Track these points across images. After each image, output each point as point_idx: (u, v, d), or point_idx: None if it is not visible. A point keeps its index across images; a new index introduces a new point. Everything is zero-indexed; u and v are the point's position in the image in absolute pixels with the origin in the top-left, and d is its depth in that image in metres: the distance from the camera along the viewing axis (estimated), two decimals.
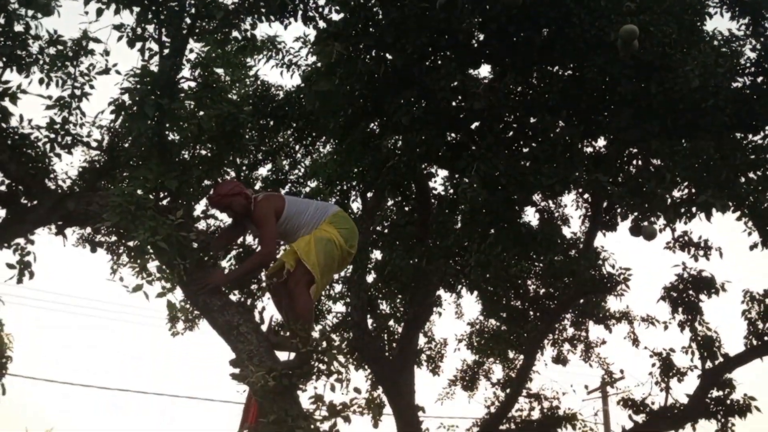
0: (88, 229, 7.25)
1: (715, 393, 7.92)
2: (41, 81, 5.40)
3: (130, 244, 4.30)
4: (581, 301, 9.71)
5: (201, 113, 5.03)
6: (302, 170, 9.76)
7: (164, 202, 4.68)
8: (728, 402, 7.83)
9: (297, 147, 9.47)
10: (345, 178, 8.64)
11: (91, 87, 5.49)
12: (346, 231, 4.49)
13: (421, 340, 10.68)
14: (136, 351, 51.06)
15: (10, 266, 4.58)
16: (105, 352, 49.69)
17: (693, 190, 6.66)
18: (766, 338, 7.72)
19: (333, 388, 4.38)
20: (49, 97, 5.30)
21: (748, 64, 6.63)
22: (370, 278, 8.96)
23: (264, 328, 4.45)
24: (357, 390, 4.63)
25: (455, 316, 11.55)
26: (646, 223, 6.60)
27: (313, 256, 4.27)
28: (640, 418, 8.31)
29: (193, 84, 5.16)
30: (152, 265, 4.20)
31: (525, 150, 6.81)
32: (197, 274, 4.37)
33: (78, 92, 5.41)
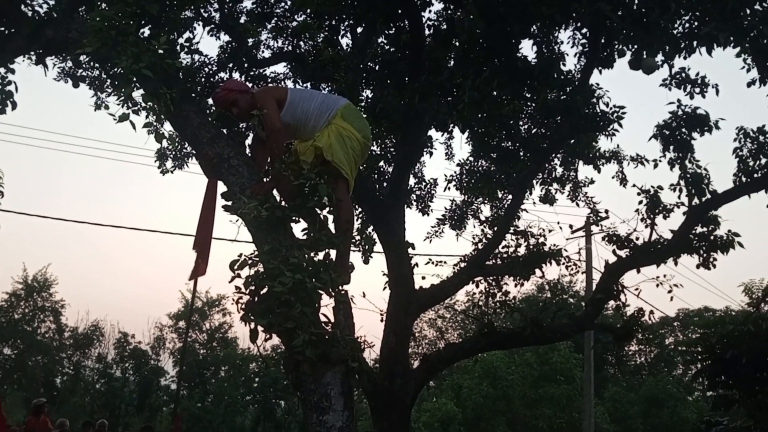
0: (70, 63, 7.00)
1: (699, 229, 8.06)
2: None
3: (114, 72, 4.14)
4: (572, 141, 9.65)
5: None
6: (288, 2, 9.34)
7: (146, 30, 4.46)
8: (712, 238, 7.98)
9: None
10: (334, 11, 8.26)
11: None
12: (360, 124, 4.57)
13: (411, 181, 10.72)
14: (128, 189, 51.62)
15: None
16: (97, 190, 50.22)
17: (696, 24, 6.44)
18: (756, 175, 7.74)
19: (326, 221, 4.41)
20: None
21: None
22: None
23: None
24: None
25: (445, 157, 11.55)
26: (646, 56, 6.42)
27: (340, 153, 4.32)
28: (623, 252, 8.48)
29: None
30: (137, 94, 4.07)
31: None
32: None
33: None
